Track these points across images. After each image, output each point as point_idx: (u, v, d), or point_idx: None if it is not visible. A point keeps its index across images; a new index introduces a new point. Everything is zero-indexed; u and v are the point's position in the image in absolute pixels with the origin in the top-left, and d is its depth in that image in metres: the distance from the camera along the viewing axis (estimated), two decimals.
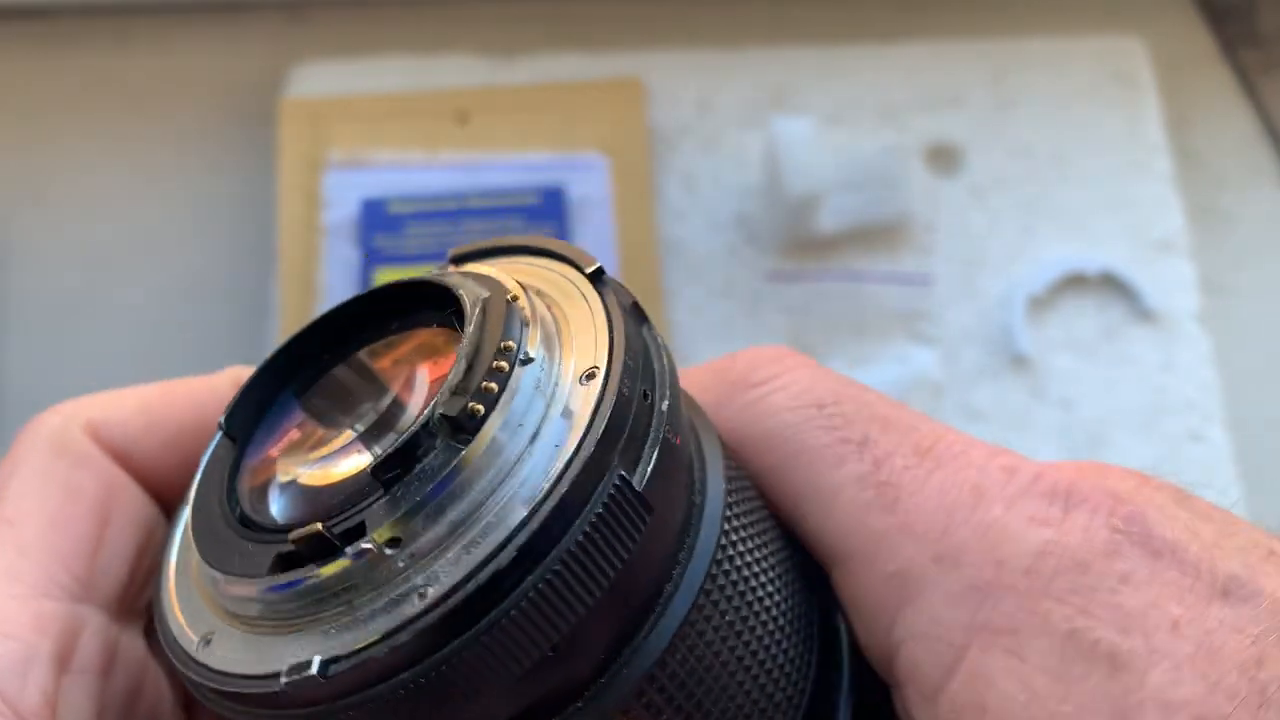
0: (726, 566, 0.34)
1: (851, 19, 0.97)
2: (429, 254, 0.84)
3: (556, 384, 0.32)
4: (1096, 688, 0.32)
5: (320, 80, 0.91)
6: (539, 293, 0.34)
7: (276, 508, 0.33)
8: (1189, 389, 0.83)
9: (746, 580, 0.35)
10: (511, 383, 0.31)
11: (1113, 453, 0.81)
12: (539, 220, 0.85)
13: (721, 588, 0.34)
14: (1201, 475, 0.81)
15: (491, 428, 0.30)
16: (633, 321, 0.33)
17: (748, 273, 0.86)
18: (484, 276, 0.34)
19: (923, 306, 0.86)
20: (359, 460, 0.32)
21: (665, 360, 0.34)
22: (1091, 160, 0.90)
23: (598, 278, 0.34)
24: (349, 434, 0.33)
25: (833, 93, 0.92)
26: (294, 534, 0.30)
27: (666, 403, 0.32)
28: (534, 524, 0.29)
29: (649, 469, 0.31)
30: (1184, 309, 0.85)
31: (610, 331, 0.32)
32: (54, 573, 0.36)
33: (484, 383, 0.30)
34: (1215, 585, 0.33)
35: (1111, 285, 0.87)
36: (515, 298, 0.33)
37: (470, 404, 0.30)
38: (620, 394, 0.31)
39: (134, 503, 0.39)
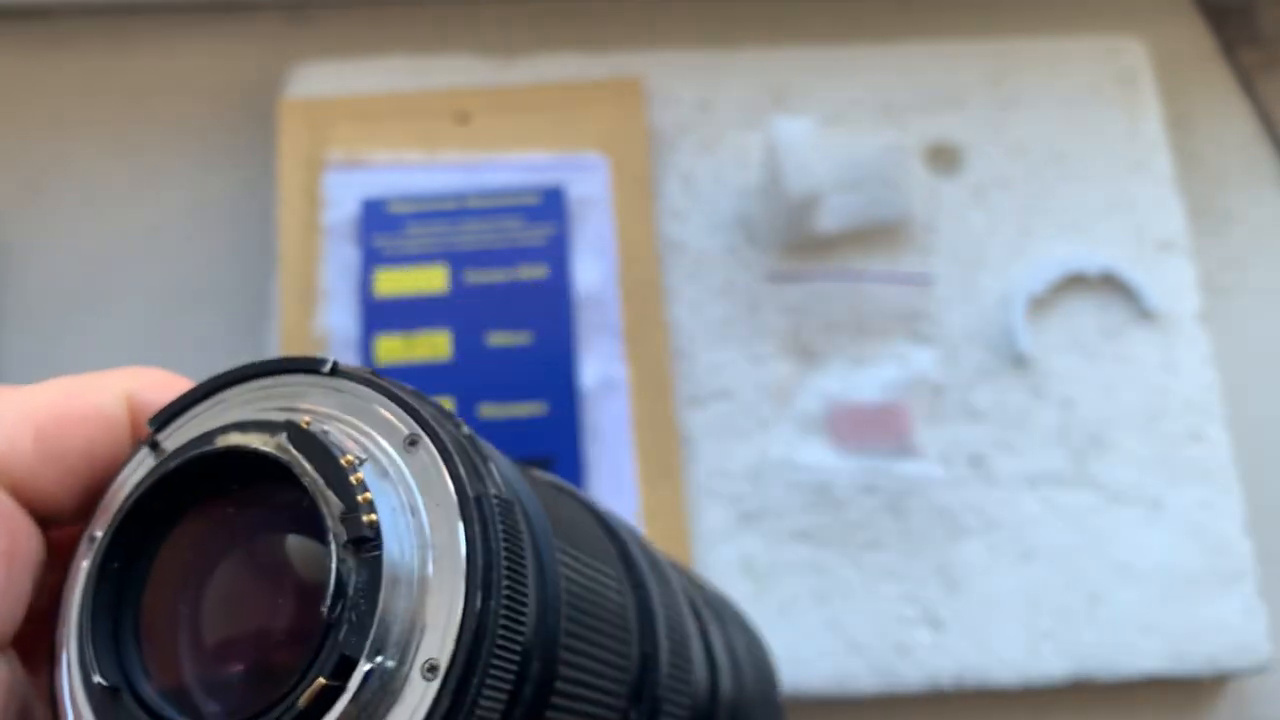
0: None
1: (851, 19, 0.97)
2: (429, 254, 0.84)
3: (388, 458, 0.32)
4: None
5: (320, 80, 0.91)
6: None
7: None
8: (1189, 389, 0.83)
9: None
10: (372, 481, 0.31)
11: (1113, 452, 0.81)
12: (539, 220, 0.85)
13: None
14: (1201, 475, 0.81)
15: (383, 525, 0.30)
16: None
17: (748, 273, 0.86)
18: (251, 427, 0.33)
19: (923, 306, 0.86)
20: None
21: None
22: (1091, 160, 0.90)
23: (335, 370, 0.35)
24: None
25: (833, 93, 0.92)
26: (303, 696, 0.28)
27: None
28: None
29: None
30: (1184, 309, 0.85)
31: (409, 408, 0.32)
32: None
33: (358, 495, 0.30)
34: None
35: (1111, 285, 0.87)
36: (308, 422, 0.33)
37: (364, 517, 0.30)
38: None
39: (31, 536, 0.35)
